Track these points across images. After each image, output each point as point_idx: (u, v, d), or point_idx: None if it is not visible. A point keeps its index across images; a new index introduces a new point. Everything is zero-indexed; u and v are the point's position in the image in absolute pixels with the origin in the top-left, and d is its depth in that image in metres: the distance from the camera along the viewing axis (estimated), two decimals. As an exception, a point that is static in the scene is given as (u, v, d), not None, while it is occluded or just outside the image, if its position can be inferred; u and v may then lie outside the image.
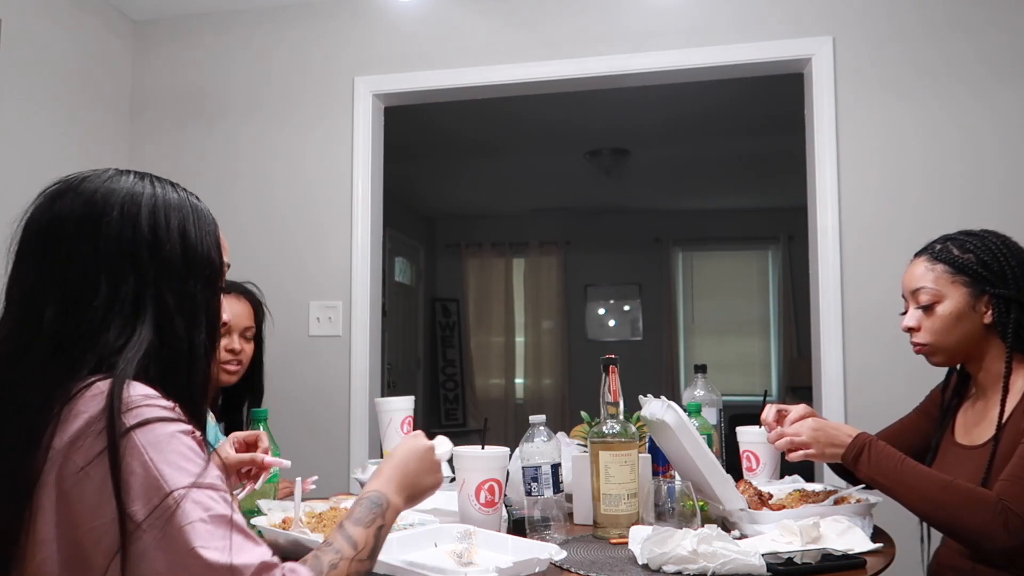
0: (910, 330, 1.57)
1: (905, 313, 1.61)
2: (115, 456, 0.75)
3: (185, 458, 0.78)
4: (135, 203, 0.88)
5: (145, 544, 0.74)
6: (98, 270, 0.85)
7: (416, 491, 1.09)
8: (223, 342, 1.86)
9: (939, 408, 1.66)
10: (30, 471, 0.77)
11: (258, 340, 2.02)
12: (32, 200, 0.90)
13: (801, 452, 1.53)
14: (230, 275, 2.10)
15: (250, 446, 1.43)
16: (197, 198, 0.96)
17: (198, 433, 0.83)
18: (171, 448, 0.78)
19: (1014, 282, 1.47)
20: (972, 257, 1.50)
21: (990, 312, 1.48)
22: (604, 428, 1.54)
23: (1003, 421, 1.44)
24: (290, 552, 1.34)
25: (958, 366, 1.63)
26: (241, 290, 1.99)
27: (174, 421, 0.80)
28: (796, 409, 1.61)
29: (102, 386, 0.80)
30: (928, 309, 1.53)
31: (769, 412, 1.65)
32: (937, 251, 1.54)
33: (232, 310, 1.92)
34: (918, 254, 1.59)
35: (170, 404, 0.83)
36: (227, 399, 2.00)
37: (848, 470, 1.63)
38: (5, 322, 0.85)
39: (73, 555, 0.77)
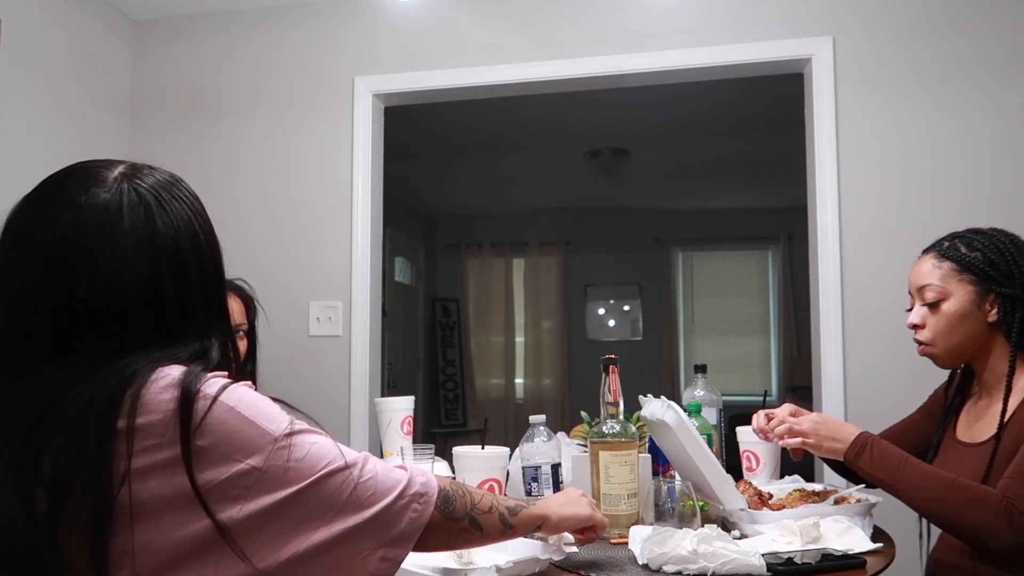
0: (914, 327, 1.57)
1: (910, 310, 1.60)
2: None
3: (271, 407, 0.85)
4: (196, 234, 0.93)
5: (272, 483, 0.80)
6: (189, 310, 0.89)
7: (562, 510, 1.18)
8: None
9: (942, 407, 1.66)
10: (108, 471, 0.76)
11: (251, 337, 2.01)
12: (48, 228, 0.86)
13: (799, 440, 1.53)
14: (229, 275, 2.10)
15: None
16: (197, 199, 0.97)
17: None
18: (256, 401, 0.84)
19: (1021, 281, 1.47)
20: (979, 255, 1.49)
21: (995, 311, 1.48)
22: (604, 428, 1.54)
23: (1005, 419, 1.44)
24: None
25: (962, 365, 1.63)
26: (232, 287, 1.98)
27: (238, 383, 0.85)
28: (782, 408, 1.62)
29: (171, 372, 0.81)
30: (933, 306, 1.53)
31: (760, 419, 1.65)
32: (944, 248, 1.54)
33: None
34: (925, 251, 1.58)
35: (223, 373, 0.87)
36: None
37: (848, 469, 1.63)
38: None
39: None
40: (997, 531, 1.30)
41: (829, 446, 1.51)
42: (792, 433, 1.55)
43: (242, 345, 1.96)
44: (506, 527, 1.04)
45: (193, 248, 0.89)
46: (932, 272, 1.53)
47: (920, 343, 1.57)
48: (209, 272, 0.91)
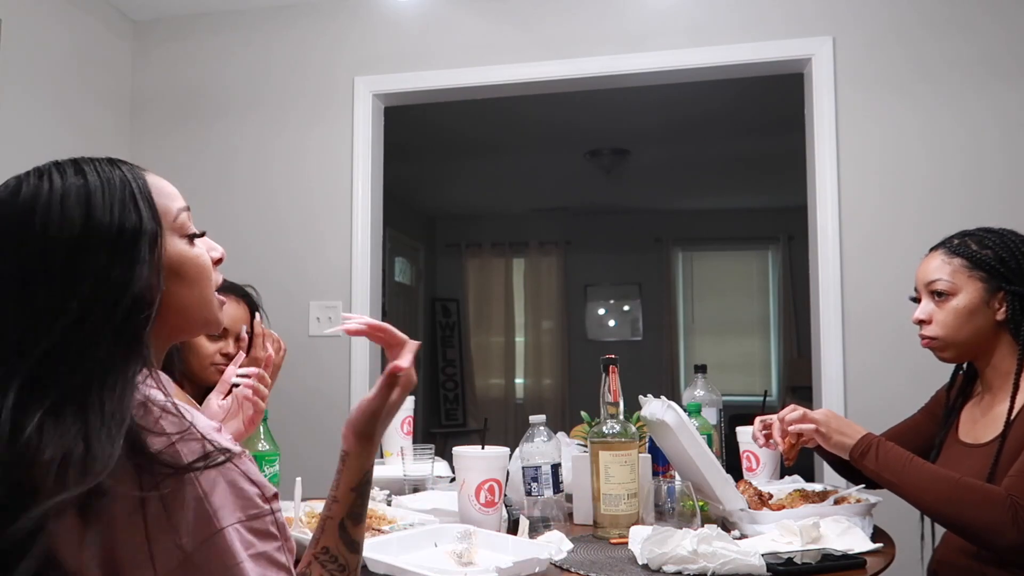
0: (921, 323, 1.56)
1: (915, 299, 1.60)
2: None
3: (236, 491, 0.75)
4: (65, 202, 0.78)
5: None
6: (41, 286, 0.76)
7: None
8: (219, 345, 1.81)
9: (944, 408, 1.66)
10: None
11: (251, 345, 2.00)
12: None
13: (812, 426, 1.53)
14: (229, 275, 2.09)
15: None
16: (110, 162, 0.84)
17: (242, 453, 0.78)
18: (223, 481, 0.74)
19: None
20: (990, 253, 1.49)
21: (1004, 309, 1.48)
22: (604, 428, 1.54)
23: (1011, 418, 1.43)
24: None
25: (964, 365, 1.63)
26: (240, 292, 1.96)
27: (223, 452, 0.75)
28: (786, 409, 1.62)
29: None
30: (942, 302, 1.53)
31: (756, 425, 1.66)
32: (955, 245, 1.54)
33: (229, 314, 1.86)
34: (934, 248, 1.58)
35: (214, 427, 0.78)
36: None
37: (848, 469, 1.63)
38: None
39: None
40: (1002, 529, 1.30)
41: (838, 439, 1.51)
42: (806, 419, 1.55)
43: (235, 351, 1.92)
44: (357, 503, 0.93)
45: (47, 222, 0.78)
46: (942, 268, 1.53)
47: (924, 337, 1.57)
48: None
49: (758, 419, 1.67)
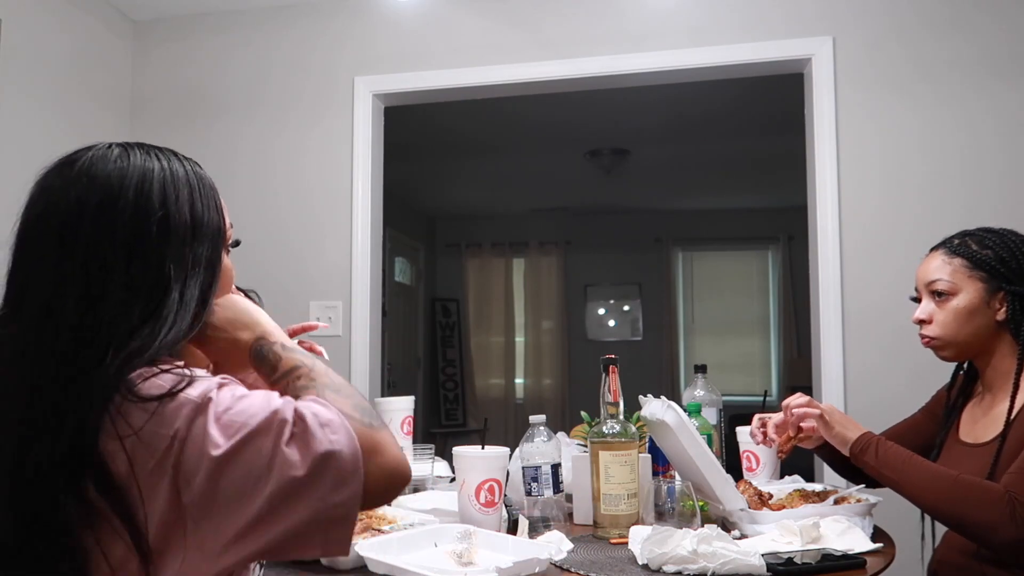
0: (921, 322, 1.57)
1: (916, 299, 1.60)
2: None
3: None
4: (147, 181, 0.87)
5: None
6: (116, 256, 0.83)
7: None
8: None
9: (944, 408, 1.66)
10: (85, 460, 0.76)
11: None
12: (36, 183, 0.88)
13: (817, 412, 1.54)
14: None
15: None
16: (198, 165, 0.95)
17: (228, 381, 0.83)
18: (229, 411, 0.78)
19: None
20: (991, 253, 1.49)
21: (1004, 309, 1.48)
22: (604, 428, 1.54)
23: (1011, 418, 1.43)
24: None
25: (964, 365, 1.63)
26: (239, 292, 1.97)
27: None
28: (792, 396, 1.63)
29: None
30: (942, 302, 1.53)
31: (754, 423, 1.66)
32: (955, 245, 1.54)
33: None
34: (935, 248, 1.58)
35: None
36: None
37: (848, 469, 1.63)
38: (23, 320, 0.82)
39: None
40: (1001, 526, 1.30)
41: (840, 431, 1.51)
42: (811, 404, 1.55)
43: None
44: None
45: (137, 192, 0.87)
46: (942, 268, 1.53)
47: (924, 337, 1.57)
48: (147, 223, 0.87)
49: (756, 417, 1.67)
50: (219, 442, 0.75)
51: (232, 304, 0.94)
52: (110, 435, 0.76)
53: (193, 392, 0.77)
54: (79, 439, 0.76)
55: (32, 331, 0.81)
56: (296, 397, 0.82)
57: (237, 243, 0.99)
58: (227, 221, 0.96)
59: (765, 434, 1.64)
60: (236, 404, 0.78)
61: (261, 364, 0.91)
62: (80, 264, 0.82)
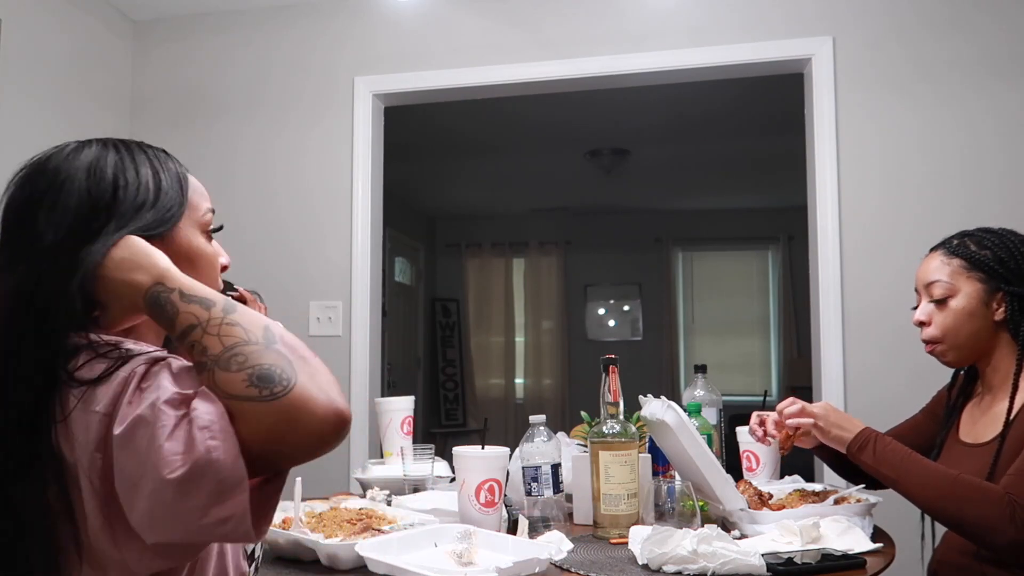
0: (920, 324, 1.56)
1: (917, 308, 1.60)
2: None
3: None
4: (100, 165, 0.88)
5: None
6: (69, 232, 0.83)
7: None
8: None
9: (945, 408, 1.66)
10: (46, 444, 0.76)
11: None
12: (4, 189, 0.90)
13: (810, 420, 1.52)
14: (230, 274, 2.10)
15: None
16: (166, 153, 0.96)
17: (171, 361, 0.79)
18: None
19: None
20: (989, 253, 1.49)
21: (1003, 309, 1.48)
22: (604, 428, 1.54)
23: (1011, 418, 1.43)
24: (290, 552, 1.34)
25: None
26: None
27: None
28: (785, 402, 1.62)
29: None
30: (941, 303, 1.52)
31: (753, 420, 1.66)
32: (954, 246, 1.54)
33: None
34: (934, 248, 1.58)
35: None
36: None
37: (848, 469, 1.63)
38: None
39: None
40: (1000, 527, 1.30)
41: (836, 433, 1.51)
42: (804, 413, 1.55)
43: None
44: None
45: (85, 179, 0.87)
46: (941, 269, 1.53)
47: (926, 341, 1.57)
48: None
49: (755, 415, 1.66)
50: (119, 425, 0.71)
51: (129, 243, 0.84)
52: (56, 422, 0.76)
53: (123, 371, 0.75)
54: (30, 432, 0.76)
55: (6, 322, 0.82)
56: (198, 374, 0.74)
57: (219, 228, 0.99)
58: (207, 205, 0.97)
59: (765, 432, 1.64)
60: (149, 381, 0.73)
61: (159, 317, 0.80)
62: (36, 248, 0.83)
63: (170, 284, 0.80)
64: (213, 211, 0.98)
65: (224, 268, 0.99)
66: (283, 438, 0.70)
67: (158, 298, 0.79)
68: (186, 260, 0.90)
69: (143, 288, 0.81)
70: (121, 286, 0.82)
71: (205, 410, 0.70)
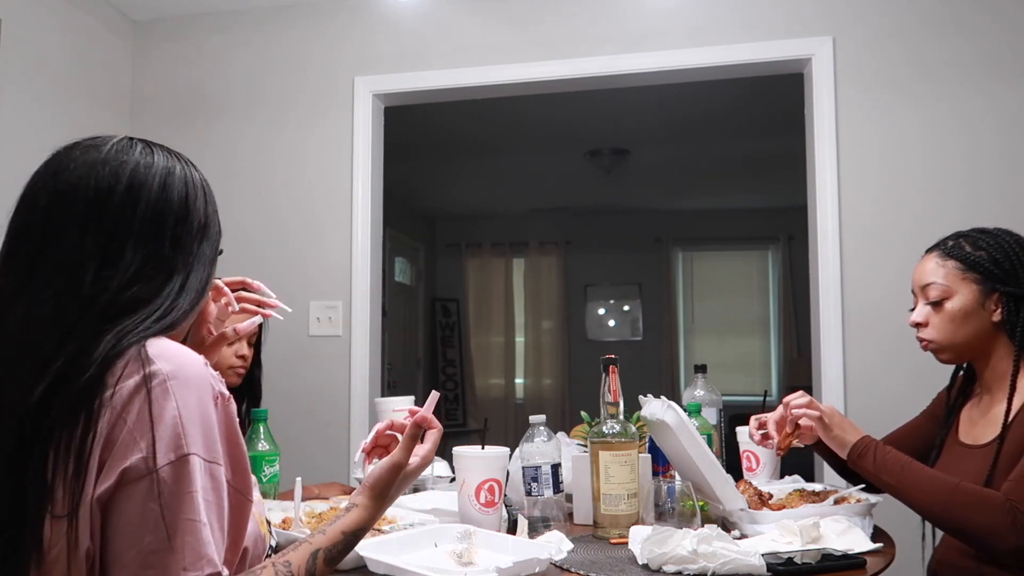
0: (917, 325, 1.56)
1: (914, 309, 1.60)
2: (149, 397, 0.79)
3: (211, 430, 0.82)
4: (171, 176, 0.93)
5: (147, 486, 0.76)
6: (133, 239, 0.88)
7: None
8: (234, 348, 1.87)
9: (944, 409, 1.66)
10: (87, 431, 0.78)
11: (257, 345, 2.03)
12: (54, 160, 0.92)
13: (815, 413, 1.53)
14: (230, 274, 2.09)
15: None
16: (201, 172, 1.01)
17: (232, 406, 0.86)
18: (202, 413, 0.81)
19: None
20: (984, 254, 1.49)
21: (999, 310, 1.48)
22: (604, 428, 1.54)
23: (1008, 420, 1.43)
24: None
25: (964, 366, 1.63)
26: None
27: (213, 390, 0.84)
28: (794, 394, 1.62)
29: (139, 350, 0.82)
30: (937, 305, 1.52)
31: (752, 424, 1.66)
32: (949, 247, 1.54)
33: (237, 317, 1.90)
34: (929, 250, 1.58)
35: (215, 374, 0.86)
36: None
37: (848, 470, 1.63)
38: (36, 292, 0.85)
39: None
40: (1002, 534, 1.30)
41: (838, 434, 1.51)
42: (812, 406, 1.55)
43: (248, 353, 1.96)
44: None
45: (160, 186, 0.91)
46: (936, 271, 1.53)
47: (922, 340, 1.57)
48: (167, 214, 0.91)
49: (753, 418, 1.67)
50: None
51: None
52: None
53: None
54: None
55: (50, 303, 0.84)
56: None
57: (220, 252, 1.03)
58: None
59: (765, 435, 1.64)
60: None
61: None
62: (102, 243, 0.86)
63: None
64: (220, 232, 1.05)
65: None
66: None
67: None
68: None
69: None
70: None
71: None
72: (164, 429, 0.78)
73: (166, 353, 0.82)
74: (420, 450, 1.06)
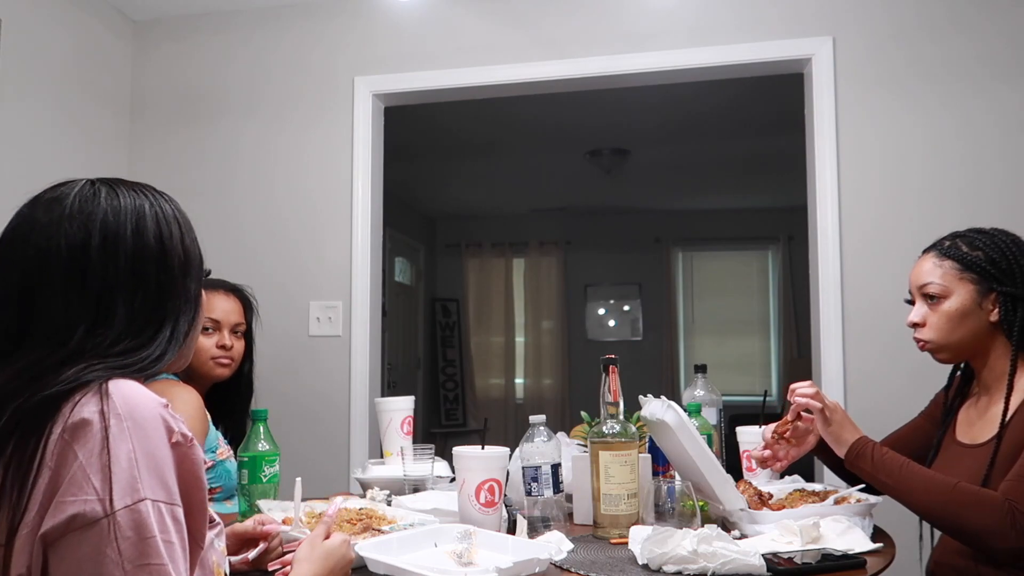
0: (915, 325, 1.57)
1: (911, 302, 1.60)
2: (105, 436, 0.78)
3: (166, 473, 0.80)
4: (142, 219, 0.91)
5: (102, 531, 0.75)
6: (120, 292, 0.88)
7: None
8: (215, 339, 1.89)
9: (942, 408, 1.66)
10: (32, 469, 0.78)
11: (248, 338, 2.03)
12: (16, 220, 0.90)
13: (817, 404, 1.53)
14: (230, 275, 2.10)
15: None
16: (175, 201, 0.99)
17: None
18: (158, 456, 0.80)
19: (1022, 281, 1.47)
20: (981, 254, 1.49)
21: (997, 310, 1.48)
22: (604, 428, 1.54)
23: (1006, 420, 1.43)
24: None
25: (961, 365, 1.63)
26: (229, 287, 2.00)
27: (175, 435, 0.83)
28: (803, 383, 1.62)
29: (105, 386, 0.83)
30: (934, 305, 1.53)
31: (766, 432, 1.66)
32: (946, 247, 1.54)
33: (221, 307, 1.93)
34: (927, 250, 1.58)
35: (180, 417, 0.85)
36: (223, 403, 1.99)
37: (848, 471, 1.63)
38: (31, 349, 0.85)
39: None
40: (1001, 533, 1.30)
41: (837, 430, 1.52)
42: (818, 397, 1.55)
43: (239, 345, 1.97)
44: None
45: (134, 231, 0.90)
46: (933, 271, 1.53)
47: (920, 340, 1.57)
48: (147, 260, 0.91)
49: (768, 428, 1.67)
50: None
51: None
52: None
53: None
54: None
55: (45, 360, 0.84)
56: None
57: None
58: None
59: (773, 456, 1.64)
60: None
61: None
62: (90, 305, 0.86)
63: None
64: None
65: None
66: None
67: None
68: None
69: None
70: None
71: None
72: (120, 472, 0.77)
73: (126, 392, 0.81)
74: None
